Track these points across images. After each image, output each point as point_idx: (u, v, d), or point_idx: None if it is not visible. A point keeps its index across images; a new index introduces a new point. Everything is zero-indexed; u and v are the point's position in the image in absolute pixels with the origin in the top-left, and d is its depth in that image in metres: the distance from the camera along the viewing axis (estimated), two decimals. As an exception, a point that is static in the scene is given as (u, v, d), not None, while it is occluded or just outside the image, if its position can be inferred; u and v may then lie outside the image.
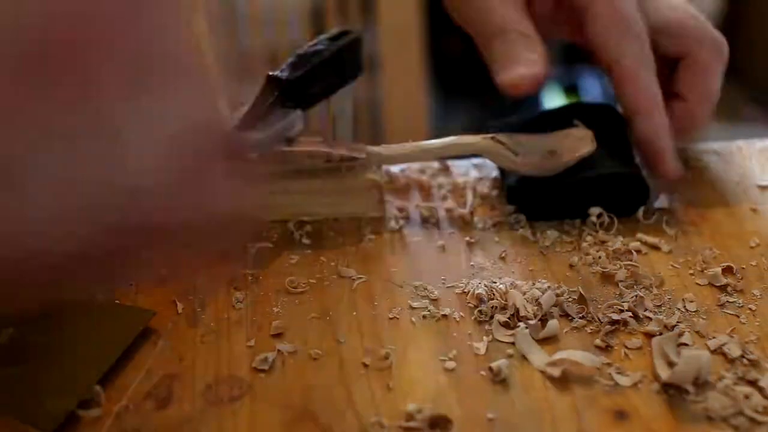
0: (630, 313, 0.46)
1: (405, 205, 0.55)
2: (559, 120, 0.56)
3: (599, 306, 0.47)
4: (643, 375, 0.43)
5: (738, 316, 0.46)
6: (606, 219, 0.52)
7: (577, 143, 0.53)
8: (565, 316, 0.46)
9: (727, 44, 0.55)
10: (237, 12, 1.24)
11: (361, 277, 0.49)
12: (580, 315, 0.46)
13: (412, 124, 1.18)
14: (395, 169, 0.58)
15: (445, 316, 0.46)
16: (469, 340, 0.45)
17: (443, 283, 0.49)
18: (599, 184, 0.53)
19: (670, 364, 0.42)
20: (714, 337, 0.44)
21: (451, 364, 0.43)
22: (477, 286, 0.48)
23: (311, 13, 1.19)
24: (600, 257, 0.50)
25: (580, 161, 0.53)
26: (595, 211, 0.53)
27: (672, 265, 0.50)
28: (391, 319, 0.46)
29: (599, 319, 0.46)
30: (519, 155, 0.52)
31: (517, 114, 0.58)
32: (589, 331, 0.45)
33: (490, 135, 0.53)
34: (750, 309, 0.46)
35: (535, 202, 0.53)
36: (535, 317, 0.46)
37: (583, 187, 0.53)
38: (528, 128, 0.56)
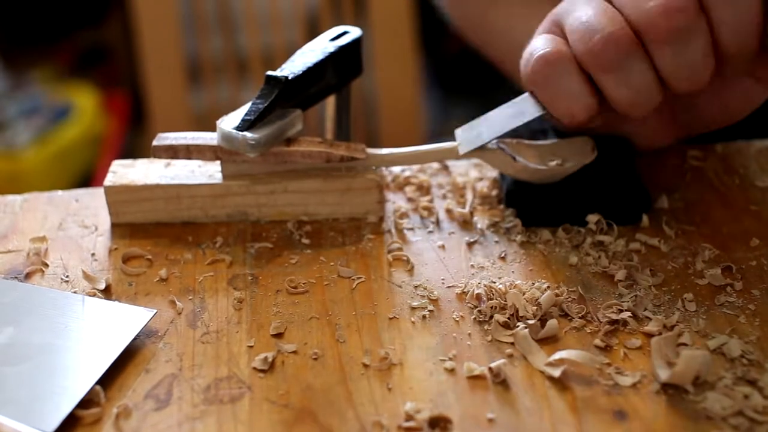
0: (629, 313, 0.46)
1: (405, 205, 0.55)
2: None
3: (599, 306, 0.47)
4: (642, 375, 0.43)
5: (737, 316, 0.46)
6: (605, 226, 0.52)
7: (579, 152, 0.53)
8: (565, 316, 0.46)
9: None
10: (233, 14, 1.24)
11: (360, 277, 0.49)
12: (580, 315, 0.46)
13: (408, 123, 1.18)
14: (395, 169, 0.58)
15: (444, 316, 0.46)
16: (469, 340, 0.45)
17: (443, 283, 0.49)
18: (599, 191, 0.52)
19: (670, 364, 0.42)
20: (714, 337, 0.44)
21: (450, 364, 0.43)
22: (476, 286, 0.48)
23: (306, 14, 1.20)
24: (600, 257, 0.50)
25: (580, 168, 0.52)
26: (593, 218, 0.52)
27: (672, 265, 0.50)
28: (390, 319, 0.46)
29: (599, 319, 0.46)
30: (519, 161, 0.52)
31: None
32: (589, 331, 0.45)
33: (490, 140, 0.53)
34: (749, 309, 0.46)
35: (534, 207, 0.53)
36: (535, 317, 0.46)
37: (583, 193, 0.52)
38: (529, 133, 0.56)
